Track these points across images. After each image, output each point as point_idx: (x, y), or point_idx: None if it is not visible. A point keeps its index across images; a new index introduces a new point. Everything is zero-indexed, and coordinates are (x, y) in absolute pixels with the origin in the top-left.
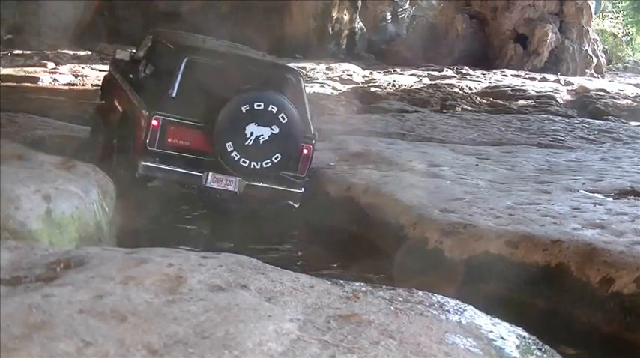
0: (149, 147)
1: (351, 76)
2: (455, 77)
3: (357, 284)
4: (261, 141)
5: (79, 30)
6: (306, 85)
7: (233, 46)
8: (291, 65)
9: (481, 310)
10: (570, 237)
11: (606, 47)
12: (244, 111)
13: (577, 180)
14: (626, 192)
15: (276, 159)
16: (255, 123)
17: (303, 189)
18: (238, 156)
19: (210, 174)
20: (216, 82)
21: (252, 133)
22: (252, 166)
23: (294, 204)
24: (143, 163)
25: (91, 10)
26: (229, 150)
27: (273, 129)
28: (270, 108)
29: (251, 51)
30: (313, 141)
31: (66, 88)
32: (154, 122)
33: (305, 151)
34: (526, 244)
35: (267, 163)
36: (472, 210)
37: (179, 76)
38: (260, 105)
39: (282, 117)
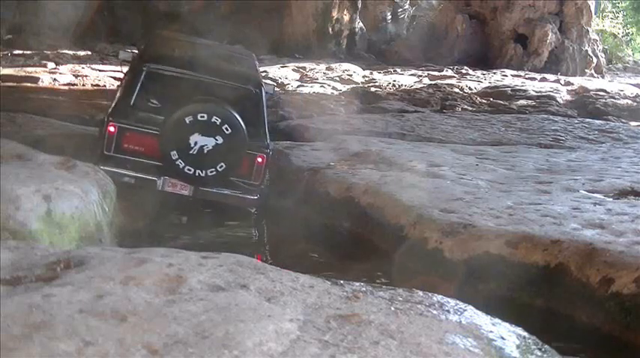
0: (106, 152)
1: (351, 76)
2: (455, 77)
3: (357, 284)
4: (205, 151)
5: (79, 30)
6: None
7: (214, 54)
8: (255, 74)
9: (481, 310)
10: (570, 237)
11: (606, 47)
12: (188, 122)
13: (577, 180)
14: (626, 192)
15: (220, 168)
16: (199, 133)
17: (257, 196)
18: (183, 164)
19: (165, 179)
20: (173, 92)
21: (196, 143)
22: (197, 174)
23: (250, 209)
24: (101, 167)
25: (91, 10)
26: (174, 158)
27: (217, 140)
28: (213, 120)
29: (235, 58)
30: (268, 151)
31: (66, 88)
32: (111, 128)
33: (259, 160)
34: (526, 244)
35: (211, 172)
36: (472, 210)
37: (138, 84)
38: (203, 117)
39: (226, 128)
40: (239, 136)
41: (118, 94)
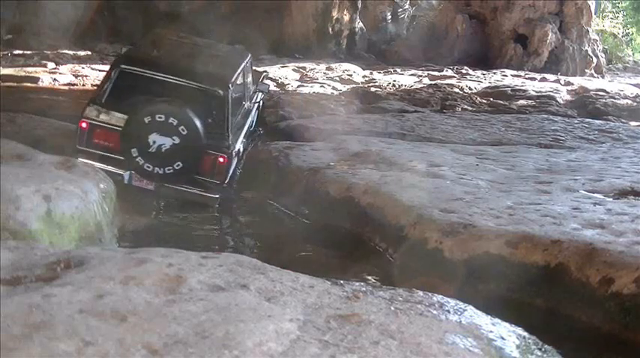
0: (78, 146)
1: (351, 76)
2: (455, 77)
3: (357, 284)
4: (163, 150)
5: (79, 30)
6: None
7: (194, 54)
8: (225, 75)
9: (481, 310)
10: (570, 237)
11: (606, 47)
12: (147, 122)
13: (577, 180)
14: (626, 192)
15: (177, 166)
16: (157, 133)
17: (218, 194)
18: (143, 161)
19: (132, 173)
20: (142, 92)
21: (154, 142)
22: (155, 171)
23: (211, 206)
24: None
25: (91, 10)
26: (134, 155)
27: (174, 140)
28: (170, 121)
29: (217, 58)
30: (229, 151)
31: (66, 88)
32: (83, 124)
33: (221, 160)
34: (526, 244)
35: (169, 170)
36: (472, 210)
37: (111, 84)
38: (161, 118)
39: (182, 129)
40: (195, 137)
41: (94, 92)
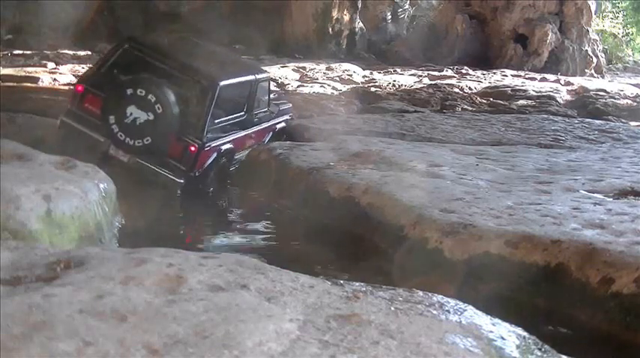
0: (69, 106)
1: (351, 76)
2: (455, 77)
3: (357, 284)
4: (137, 123)
5: (79, 30)
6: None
7: (200, 55)
8: (217, 75)
9: (481, 310)
10: (570, 237)
11: (606, 47)
12: (129, 94)
13: (577, 180)
14: (626, 192)
15: (147, 141)
16: (135, 106)
17: (183, 180)
18: (117, 129)
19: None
20: (138, 71)
21: (131, 114)
22: (126, 141)
23: (175, 190)
24: (63, 118)
25: (91, 10)
26: (111, 122)
27: (148, 116)
28: (149, 97)
29: (221, 63)
30: (200, 143)
31: (66, 88)
32: (79, 88)
33: (192, 149)
34: (526, 244)
35: (139, 143)
36: (472, 210)
37: (112, 58)
38: (142, 92)
39: (159, 107)
40: (168, 117)
41: (96, 63)
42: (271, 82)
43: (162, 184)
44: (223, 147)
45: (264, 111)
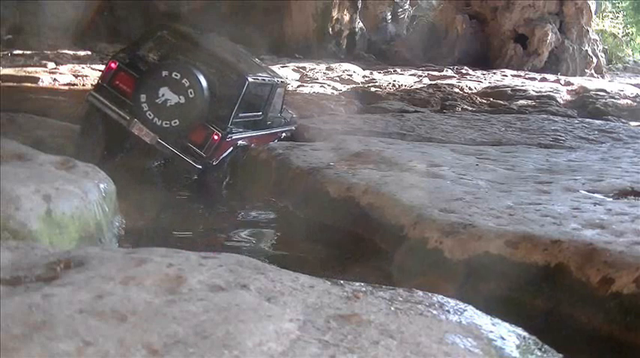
0: (100, 82)
1: (351, 76)
2: (455, 77)
3: (357, 284)
4: (167, 105)
5: (79, 30)
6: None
7: (230, 51)
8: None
9: (481, 310)
10: (570, 237)
11: (606, 47)
12: (163, 75)
13: (577, 180)
14: (626, 192)
15: (174, 123)
16: (168, 88)
17: (201, 166)
18: (147, 108)
19: (136, 121)
20: (173, 55)
21: (163, 95)
22: (154, 121)
23: (192, 174)
24: (92, 93)
25: (91, 10)
26: (142, 101)
27: (180, 99)
28: (183, 81)
29: (249, 64)
30: (224, 133)
31: (66, 88)
32: (112, 65)
33: (215, 137)
34: (526, 244)
35: (166, 124)
36: (472, 210)
37: (149, 42)
38: (177, 76)
39: (191, 92)
40: (198, 103)
41: (129, 44)
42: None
43: (180, 170)
44: (239, 142)
45: (276, 116)
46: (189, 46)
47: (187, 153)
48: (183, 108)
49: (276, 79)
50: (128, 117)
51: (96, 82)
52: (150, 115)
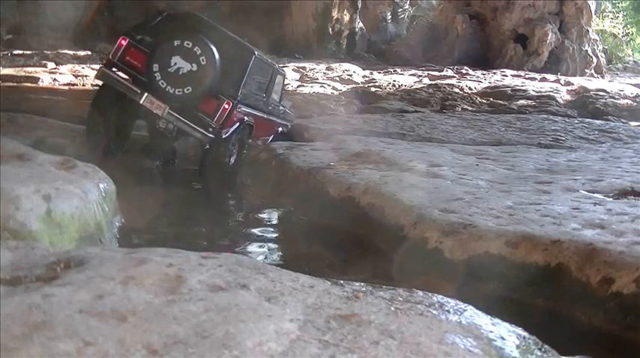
0: (111, 58)
1: (351, 76)
2: (455, 77)
3: (357, 284)
4: (180, 73)
5: (79, 30)
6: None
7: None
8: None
9: (481, 310)
10: (570, 237)
11: (606, 47)
12: (175, 45)
13: (577, 180)
14: (626, 192)
15: (187, 90)
16: (180, 56)
17: (212, 136)
18: (159, 77)
19: (147, 94)
20: (180, 31)
21: (175, 64)
22: (166, 89)
23: (205, 144)
24: (103, 69)
25: (91, 10)
26: (155, 70)
27: (192, 66)
28: (195, 49)
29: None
30: (235, 101)
31: (66, 88)
32: (122, 41)
33: (225, 106)
34: (526, 244)
35: (179, 91)
36: (472, 210)
37: (158, 21)
38: (189, 44)
39: (203, 59)
40: (210, 69)
41: (137, 24)
42: (285, 80)
43: (191, 139)
44: (246, 119)
45: (277, 104)
46: (195, 25)
47: (199, 124)
48: (195, 75)
49: (276, 65)
50: (139, 91)
51: (106, 59)
52: (162, 84)
